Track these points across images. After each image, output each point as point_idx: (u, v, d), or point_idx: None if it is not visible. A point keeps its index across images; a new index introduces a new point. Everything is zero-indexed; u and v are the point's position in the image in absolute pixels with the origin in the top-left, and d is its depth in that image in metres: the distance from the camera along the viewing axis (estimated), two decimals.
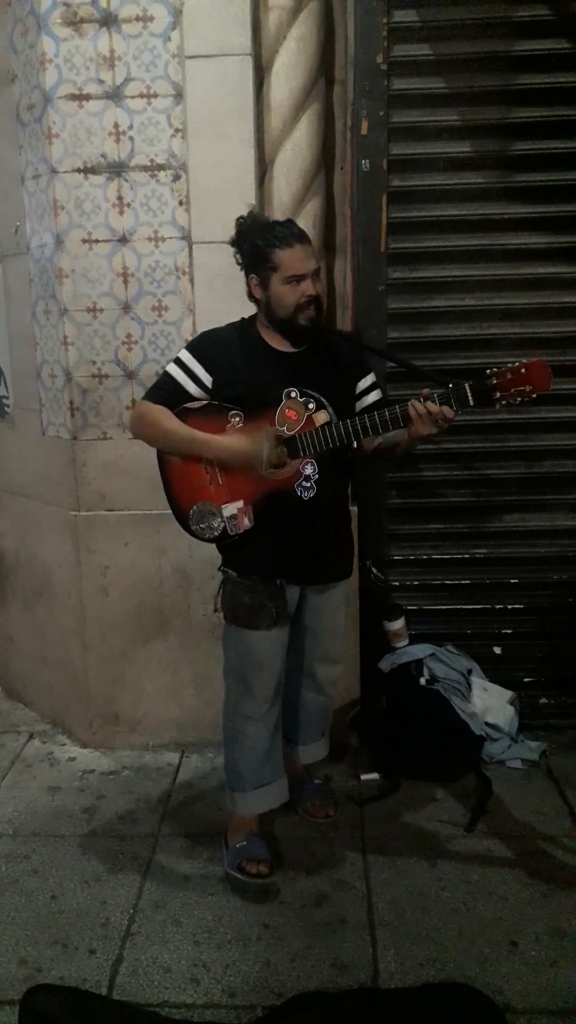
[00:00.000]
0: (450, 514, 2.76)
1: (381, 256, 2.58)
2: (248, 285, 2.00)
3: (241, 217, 2.02)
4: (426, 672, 2.64)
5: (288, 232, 1.93)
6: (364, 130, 2.51)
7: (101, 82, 2.39)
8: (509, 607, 2.79)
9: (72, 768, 2.69)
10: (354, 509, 2.61)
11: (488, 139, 2.52)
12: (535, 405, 2.60)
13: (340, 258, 2.62)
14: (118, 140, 2.42)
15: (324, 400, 1.93)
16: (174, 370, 2.02)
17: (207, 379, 1.99)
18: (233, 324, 2.08)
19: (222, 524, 1.99)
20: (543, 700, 2.82)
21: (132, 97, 2.40)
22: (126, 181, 2.45)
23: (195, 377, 2.00)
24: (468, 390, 1.79)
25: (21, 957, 1.89)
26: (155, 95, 2.40)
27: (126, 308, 2.52)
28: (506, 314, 2.62)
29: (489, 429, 2.67)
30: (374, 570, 2.75)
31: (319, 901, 2.05)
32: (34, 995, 1.73)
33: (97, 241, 2.48)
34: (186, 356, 2.02)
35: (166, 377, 2.03)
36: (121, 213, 2.46)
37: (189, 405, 2.01)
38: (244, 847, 2.13)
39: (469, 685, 2.69)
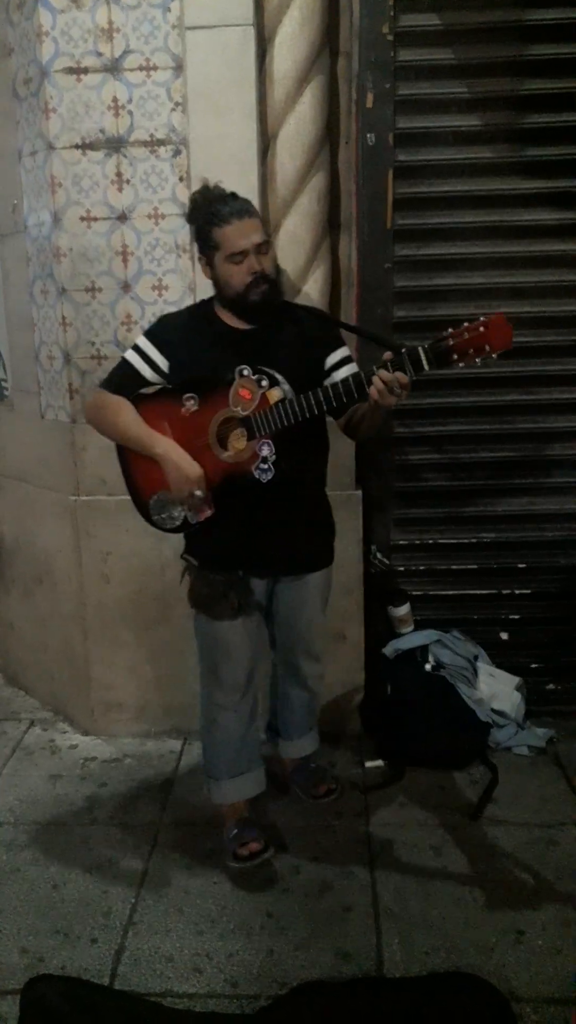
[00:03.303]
0: (457, 498, 2.71)
1: (387, 233, 2.51)
2: (201, 265, 1.96)
3: (195, 193, 1.95)
4: (432, 658, 2.62)
5: (227, 208, 1.86)
6: (370, 103, 2.44)
7: (99, 55, 2.33)
8: (516, 592, 2.75)
9: (74, 756, 2.67)
10: (359, 493, 2.58)
11: (498, 112, 2.44)
12: (544, 386, 2.62)
13: (345, 235, 2.56)
14: (117, 114, 2.36)
15: (278, 376, 1.86)
16: (131, 356, 1.99)
17: (163, 363, 1.96)
18: (192, 306, 2.08)
19: (183, 513, 1.96)
20: (550, 686, 2.79)
21: (131, 70, 2.33)
22: (125, 157, 2.39)
23: (151, 362, 1.97)
24: (422, 353, 1.68)
25: (23, 947, 1.88)
26: (154, 68, 2.33)
27: (126, 287, 2.46)
28: (516, 292, 2.56)
29: (498, 411, 2.62)
30: (379, 555, 2.71)
31: (323, 890, 2.03)
32: (36, 985, 1.72)
33: (96, 219, 2.42)
34: (143, 342, 1.99)
35: (123, 364, 2.00)
36: (120, 190, 2.41)
37: (144, 391, 1.98)
38: (236, 835, 2.13)
39: (475, 671, 2.66)
